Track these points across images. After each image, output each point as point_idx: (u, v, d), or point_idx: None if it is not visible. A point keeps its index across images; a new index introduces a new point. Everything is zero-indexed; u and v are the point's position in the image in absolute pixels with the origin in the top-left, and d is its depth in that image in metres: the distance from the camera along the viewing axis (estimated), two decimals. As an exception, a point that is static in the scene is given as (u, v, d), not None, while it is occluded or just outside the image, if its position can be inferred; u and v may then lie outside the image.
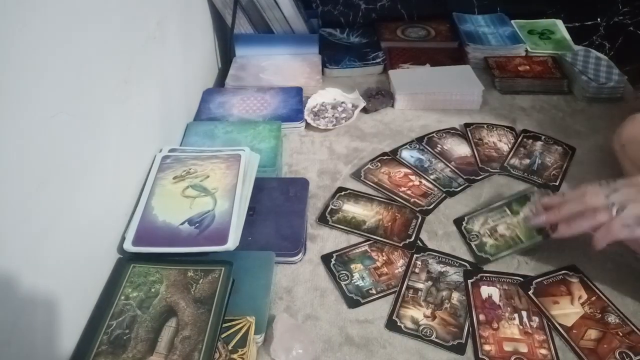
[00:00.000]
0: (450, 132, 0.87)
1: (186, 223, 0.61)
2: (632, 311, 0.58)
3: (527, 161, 0.80)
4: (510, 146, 0.83)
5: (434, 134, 0.86)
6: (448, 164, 0.79)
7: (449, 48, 1.11)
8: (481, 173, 0.78)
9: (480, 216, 0.70)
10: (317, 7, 1.19)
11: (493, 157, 0.81)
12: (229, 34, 1.03)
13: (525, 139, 0.84)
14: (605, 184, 0.59)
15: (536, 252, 0.65)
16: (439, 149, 0.82)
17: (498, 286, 0.61)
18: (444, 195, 0.74)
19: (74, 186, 0.51)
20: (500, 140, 0.84)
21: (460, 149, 0.83)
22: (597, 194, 0.58)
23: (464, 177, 0.77)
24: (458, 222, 0.70)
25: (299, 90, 0.93)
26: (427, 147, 0.83)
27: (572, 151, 0.82)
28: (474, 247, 0.66)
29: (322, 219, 0.70)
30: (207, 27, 1.02)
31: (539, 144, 0.83)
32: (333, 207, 0.72)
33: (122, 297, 0.54)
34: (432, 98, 0.93)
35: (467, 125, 0.87)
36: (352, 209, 0.72)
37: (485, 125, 0.87)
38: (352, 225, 0.69)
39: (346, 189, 0.75)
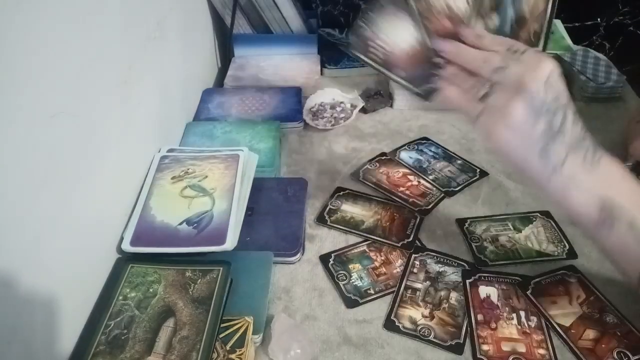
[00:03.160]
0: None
1: (184, 223, 0.61)
2: (630, 311, 0.58)
3: (495, 37, 0.50)
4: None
5: (360, 23, 0.53)
6: (391, 75, 0.54)
7: (448, 48, 1.11)
8: (431, 78, 0.52)
9: (484, 222, 0.70)
10: (316, 7, 1.19)
11: (449, 29, 0.51)
12: (228, 34, 1.03)
13: None
14: (518, 50, 0.46)
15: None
16: (375, 53, 0.53)
17: (496, 286, 0.61)
18: (442, 195, 0.74)
19: (73, 186, 0.51)
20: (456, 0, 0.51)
21: (402, 33, 0.52)
22: (499, 58, 0.46)
23: (418, 91, 0.54)
24: (461, 222, 0.70)
25: (297, 91, 0.93)
26: (360, 54, 0.54)
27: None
28: (474, 247, 0.66)
29: (321, 219, 0.70)
30: (207, 27, 1.02)
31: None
32: (331, 207, 0.72)
33: (120, 297, 0.54)
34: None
35: None
36: (351, 209, 0.72)
37: None
38: (351, 225, 0.69)
39: (345, 189, 0.75)
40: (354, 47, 0.54)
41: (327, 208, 0.72)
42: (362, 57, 0.54)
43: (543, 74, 0.45)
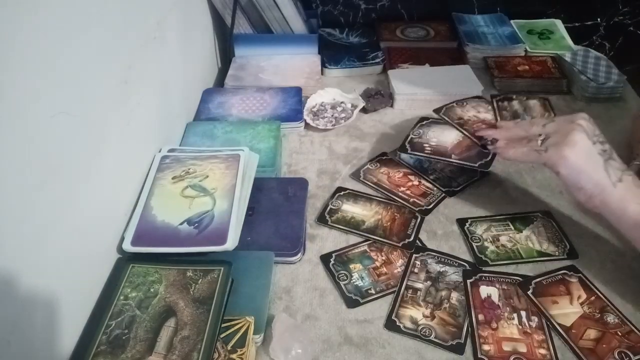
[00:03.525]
0: (424, 124, 0.81)
1: (185, 223, 0.61)
2: (631, 311, 0.58)
3: (519, 120, 0.76)
4: (492, 113, 0.81)
5: (412, 136, 0.78)
6: (450, 160, 0.72)
7: (448, 48, 1.11)
8: (488, 149, 0.71)
9: (484, 222, 0.70)
10: (317, 7, 1.19)
11: (488, 129, 0.73)
12: (229, 34, 1.03)
13: (500, 102, 0.84)
14: (549, 118, 0.64)
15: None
16: (428, 149, 0.75)
17: (497, 286, 0.61)
18: (443, 195, 0.74)
19: (73, 186, 0.51)
20: (478, 112, 0.80)
21: (447, 136, 0.77)
22: (538, 124, 0.64)
23: (477, 166, 0.70)
24: (461, 221, 0.70)
25: (298, 90, 0.93)
26: (416, 153, 0.75)
27: (548, 101, 0.84)
28: (475, 247, 0.66)
29: (321, 219, 0.70)
30: (207, 27, 1.02)
31: (515, 103, 0.84)
32: (332, 207, 0.72)
33: (121, 297, 0.54)
34: (431, 98, 0.93)
35: (436, 110, 0.82)
36: (351, 209, 0.72)
37: (454, 104, 0.83)
38: (351, 225, 0.69)
39: (345, 189, 0.75)
40: (409, 150, 0.76)
41: (328, 208, 0.72)
42: (419, 154, 0.75)
43: (583, 116, 0.61)
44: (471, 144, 0.73)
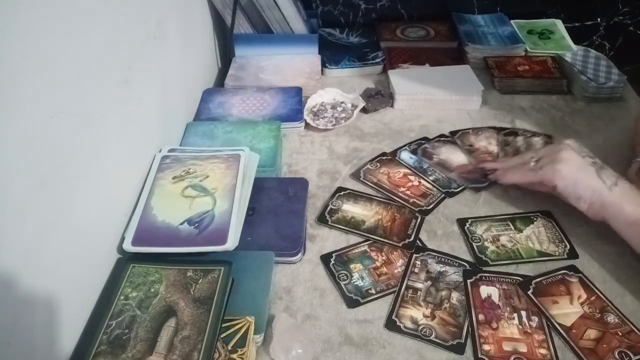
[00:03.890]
0: (441, 140, 0.86)
1: (185, 223, 0.61)
2: (631, 311, 0.58)
3: None
4: (497, 147, 0.84)
5: (427, 145, 0.84)
6: (451, 175, 0.78)
7: (448, 48, 1.11)
8: (485, 179, 0.76)
9: (485, 222, 0.70)
10: (317, 7, 1.19)
11: (488, 161, 0.80)
12: (229, 34, 1.03)
13: (505, 137, 0.85)
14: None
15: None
16: (435, 159, 0.81)
17: (497, 286, 0.61)
18: (443, 195, 0.74)
19: (73, 186, 0.51)
20: (489, 144, 0.84)
21: (456, 157, 0.82)
22: (531, 151, 0.74)
23: (472, 186, 0.76)
24: (462, 221, 0.70)
25: (298, 90, 0.93)
26: (424, 158, 0.81)
27: (551, 138, 0.84)
28: (475, 247, 0.66)
29: (322, 219, 0.70)
30: (207, 27, 1.02)
31: (519, 139, 0.84)
32: (332, 207, 0.72)
33: (122, 297, 0.54)
34: (431, 98, 0.93)
35: (452, 133, 0.87)
36: (352, 209, 0.72)
37: (470, 130, 0.87)
38: (352, 225, 0.69)
39: (345, 189, 0.75)
40: (420, 154, 0.83)
41: (328, 208, 0.72)
42: (427, 160, 0.81)
43: (571, 140, 0.69)
44: (472, 169, 0.79)
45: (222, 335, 0.51)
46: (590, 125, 0.89)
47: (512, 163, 0.72)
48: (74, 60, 0.50)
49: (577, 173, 0.63)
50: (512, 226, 0.69)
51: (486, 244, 0.66)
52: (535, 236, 0.67)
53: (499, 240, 0.67)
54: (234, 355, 0.50)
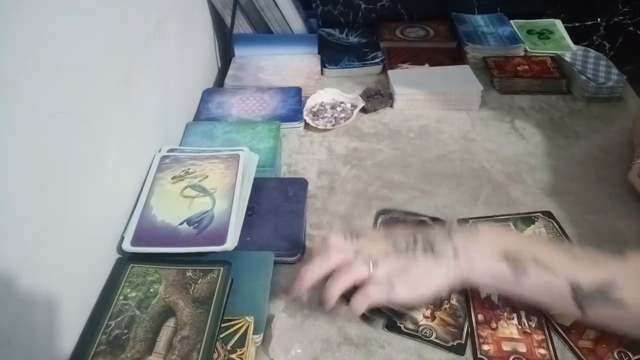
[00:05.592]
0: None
1: (185, 223, 0.61)
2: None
3: None
4: None
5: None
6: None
7: (448, 48, 1.12)
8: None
9: (485, 223, 0.70)
10: (316, 7, 1.19)
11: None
12: (228, 34, 1.03)
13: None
14: (348, 237, 0.55)
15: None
16: None
17: (497, 286, 0.61)
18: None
19: (73, 186, 0.51)
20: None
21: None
22: (345, 249, 0.54)
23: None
24: (462, 222, 0.70)
25: (298, 91, 0.93)
26: None
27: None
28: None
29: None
30: (207, 27, 1.02)
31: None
32: (332, 207, 0.72)
33: (121, 297, 0.54)
34: (431, 98, 0.93)
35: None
36: (351, 209, 0.72)
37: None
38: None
39: (345, 189, 0.75)
40: None
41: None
42: None
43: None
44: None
45: (222, 335, 0.51)
46: (589, 125, 0.89)
47: (323, 265, 0.55)
48: (74, 60, 0.50)
49: (414, 275, 0.52)
50: (512, 226, 0.69)
51: (486, 244, 0.66)
52: (537, 236, 0.67)
53: None
54: (233, 355, 0.50)
